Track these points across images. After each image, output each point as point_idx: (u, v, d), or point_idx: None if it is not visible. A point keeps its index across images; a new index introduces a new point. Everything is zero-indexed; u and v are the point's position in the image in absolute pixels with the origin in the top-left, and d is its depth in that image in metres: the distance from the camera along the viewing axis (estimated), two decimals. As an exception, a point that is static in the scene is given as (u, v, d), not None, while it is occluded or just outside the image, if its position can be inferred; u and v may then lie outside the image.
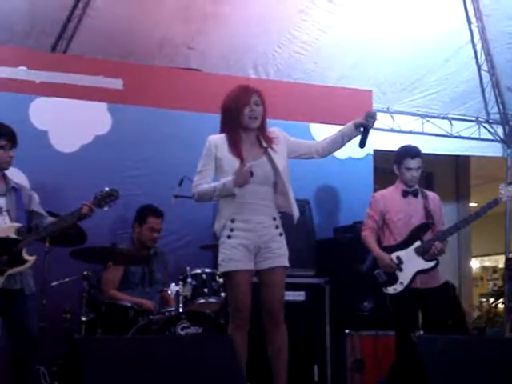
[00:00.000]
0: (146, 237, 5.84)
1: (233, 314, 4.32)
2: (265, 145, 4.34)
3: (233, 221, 4.27)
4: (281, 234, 4.35)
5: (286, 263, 4.35)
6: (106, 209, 4.82)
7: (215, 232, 4.38)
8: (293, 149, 4.45)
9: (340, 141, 4.46)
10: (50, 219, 4.84)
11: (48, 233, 4.74)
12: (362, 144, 4.44)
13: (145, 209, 5.87)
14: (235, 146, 4.30)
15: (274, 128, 4.45)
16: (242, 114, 4.29)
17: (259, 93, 4.37)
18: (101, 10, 6.56)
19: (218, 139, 4.36)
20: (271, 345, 4.33)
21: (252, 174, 4.20)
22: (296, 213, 4.37)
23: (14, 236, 4.64)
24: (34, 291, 4.79)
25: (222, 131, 4.40)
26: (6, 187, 4.78)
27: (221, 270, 4.32)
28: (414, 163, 5.40)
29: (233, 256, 4.24)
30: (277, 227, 4.34)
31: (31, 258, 4.69)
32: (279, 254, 4.32)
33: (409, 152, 5.46)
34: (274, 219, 4.34)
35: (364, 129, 4.41)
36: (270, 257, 4.29)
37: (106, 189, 4.81)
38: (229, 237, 4.26)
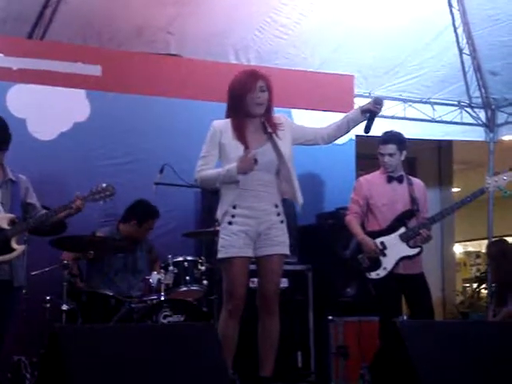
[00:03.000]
0: (141, 235, 5.86)
1: (226, 301, 4.30)
2: (269, 131, 4.33)
3: (235, 207, 4.26)
4: (282, 222, 4.35)
5: (285, 251, 4.36)
6: (101, 203, 4.89)
7: (217, 218, 4.35)
8: (298, 135, 4.46)
9: (346, 126, 4.49)
10: (44, 212, 4.83)
11: (37, 223, 4.72)
12: (368, 129, 4.47)
13: (146, 209, 5.82)
14: (240, 132, 4.29)
15: (279, 114, 4.45)
16: (247, 100, 4.27)
17: (266, 78, 4.35)
18: (78, -5, 6.48)
19: (223, 124, 4.34)
20: (263, 332, 4.35)
21: (256, 161, 4.19)
22: (300, 199, 4.39)
23: (5, 226, 4.61)
24: (23, 284, 4.78)
25: (227, 116, 4.38)
26: (2, 179, 4.76)
27: (220, 255, 4.30)
28: (384, 149, 5.40)
29: (233, 242, 4.24)
30: (278, 214, 4.35)
31: (19, 247, 4.66)
32: (278, 242, 4.32)
33: (382, 138, 5.47)
34: (276, 206, 4.35)
35: (370, 114, 4.42)
36: (269, 244, 4.30)
37: (103, 185, 4.84)
38: (230, 223, 4.26)
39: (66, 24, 6.56)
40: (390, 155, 5.38)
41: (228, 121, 4.34)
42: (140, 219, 5.82)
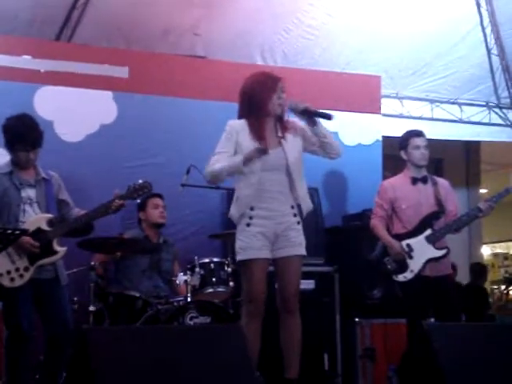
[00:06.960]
0: (153, 215, 5.82)
1: (247, 303, 4.31)
2: (280, 134, 4.33)
3: (252, 208, 4.26)
4: (298, 223, 4.34)
5: (303, 252, 4.35)
6: (138, 201, 4.93)
7: (231, 218, 4.35)
8: (310, 141, 4.42)
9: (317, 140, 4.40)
10: (77, 210, 4.86)
11: (78, 224, 4.73)
12: (317, 119, 4.34)
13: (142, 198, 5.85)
14: (259, 132, 4.28)
15: (294, 119, 4.43)
16: (271, 100, 4.27)
17: (284, 80, 4.37)
18: (105, -3, 6.52)
19: (239, 124, 4.34)
20: (285, 333, 4.34)
21: (266, 151, 4.17)
22: (305, 205, 4.35)
23: (45, 227, 4.63)
24: (67, 282, 4.82)
25: (241, 117, 4.37)
26: (35, 178, 4.78)
27: (238, 257, 4.30)
28: (420, 141, 5.36)
29: (251, 244, 4.23)
30: (295, 215, 4.33)
31: (62, 249, 4.69)
32: (296, 243, 4.31)
33: (413, 132, 5.44)
34: (292, 207, 4.33)
35: (305, 114, 4.33)
36: (287, 245, 4.29)
37: (140, 181, 4.83)
38: (248, 225, 4.25)
39: (93, 26, 6.61)
40: (426, 147, 5.36)
41: (243, 121, 4.34)
42: (140, 207, 5.82)
